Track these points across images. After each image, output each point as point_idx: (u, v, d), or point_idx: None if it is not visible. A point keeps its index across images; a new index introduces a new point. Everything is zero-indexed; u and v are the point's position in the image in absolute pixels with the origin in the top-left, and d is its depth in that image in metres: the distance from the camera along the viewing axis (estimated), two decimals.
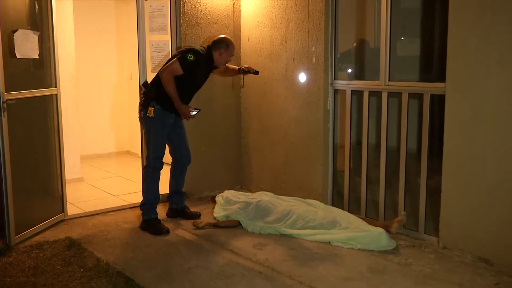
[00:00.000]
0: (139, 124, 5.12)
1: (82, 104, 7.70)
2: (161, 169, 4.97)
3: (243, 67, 5.21)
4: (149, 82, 4.94)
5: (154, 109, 4.77)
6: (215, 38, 4.98)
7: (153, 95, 4.78)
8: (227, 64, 5.16)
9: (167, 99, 4.77)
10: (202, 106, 5.51)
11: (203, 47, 4.94)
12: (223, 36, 5.04)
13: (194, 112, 4.87)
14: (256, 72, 5.15)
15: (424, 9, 5.64)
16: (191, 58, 4.73)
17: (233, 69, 5.28)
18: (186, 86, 4.84)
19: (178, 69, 4.70)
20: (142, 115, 4.86)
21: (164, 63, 4.93)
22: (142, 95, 4.94)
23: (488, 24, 3.87)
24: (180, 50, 4.91)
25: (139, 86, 5.32)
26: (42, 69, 4.91)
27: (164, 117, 4.87)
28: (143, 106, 4.83)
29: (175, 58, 4.74)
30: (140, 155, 5.73)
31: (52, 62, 4.95)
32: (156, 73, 4.94)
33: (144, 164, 4.99)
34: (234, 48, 5.02)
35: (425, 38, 5.74)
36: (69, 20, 6.56)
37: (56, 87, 5.00)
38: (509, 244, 3.89)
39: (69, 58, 6.60)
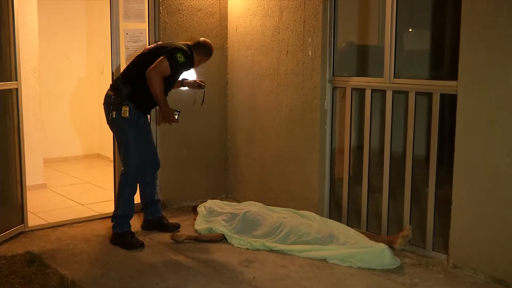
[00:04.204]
0: None
1: (46, 100, 7.67)
2: (142, 178, 5.01)
3: (195, 81, 5.37)
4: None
5: (129, 108, 4.76)
6: (201, 41, 5.08)
7: (126, 93, 4.75)
8: None
9: (141, 97, 4.78)
10: (183, 104, 5.52)
11: (185, 46, 4.97)
12: (209, 42, 5.13)
13: (177, 115, 4.91)
14: (202, 86, 5.34)
15: None
16: (181, 59, 4.78)
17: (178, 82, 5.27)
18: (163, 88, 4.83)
19: (167, 70, 4.73)
20: (114, 116, 4.78)
21: (140, 55, 4.92)
22: (112, 94, 4.82)
23: (506, 15, 3.90)
24: (166, 47, 4.87)
25: (112, 80, 5.29)
26: (1, 60, 4.88)
27: (138, 117, 4.86)
28: (115, 106, 4.77)
29: (163, 57, 4.71)
30: (112, 158, 5.71)
31: (12, 52, 4.92)
32: (128, 68, 4.91)
33: (122, 171, 4.94)
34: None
35: (436, 30, 5.79)
36: (32, 4, 6.53)
37: (16, 80, 4.96)
38: None
39: (31, 47, 6.57)
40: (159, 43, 5.13)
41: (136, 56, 5.02)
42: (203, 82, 5.37)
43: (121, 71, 5.19)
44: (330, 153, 5.34)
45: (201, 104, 5.39)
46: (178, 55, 4.77)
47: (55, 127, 8.24)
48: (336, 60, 5.24)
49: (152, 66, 4.69)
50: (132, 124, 4.83)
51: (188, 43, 5.09)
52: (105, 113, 4.91)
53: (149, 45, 5.55)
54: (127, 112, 4.75)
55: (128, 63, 5.33)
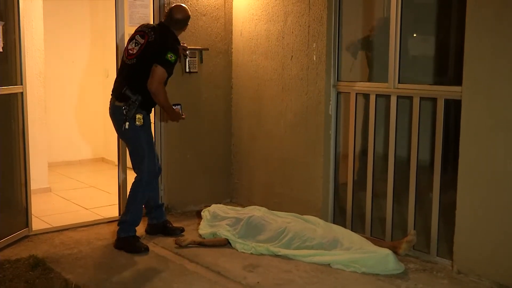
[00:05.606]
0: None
1: (51, 104, 7.69)
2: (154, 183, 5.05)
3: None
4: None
5: (142, 116, 4.76)
6: (174, 16, 4.94)
7: (139, 102, 4.72)
8: None
9: (150, 103, 4.83)
10: (187, 107, 5.52)
11: (156, 26, 4.96)
12: (182, 8, 5.03)
13: (181, 111, 5.07)
14: (185, 56, 5.64)
15: (439, 3, 5.68)
16: (173, 59, 4.78)
17: None
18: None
19: (165, 75, 4.77)
20: (128, 127, 4.72)
21: (136, 64, 4.81)
22: (122, 104, 4.74)
23: (510, 21, 3.90)
24: (153, 47, 4.77)
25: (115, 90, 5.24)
26: (6, 64, 4.89)
27: (148, 122, 4.91)
28: (129, 116, 4.71)
29: (158, 66, 4.68)
30: (116, 163, 5.72)
31: (17, 56, 4.93)
32: (131, 76, 4.83)
33: (136, 178, 4.92)
34: None
35: (440, 35, 5.78)
36: (37, 9, 6.55)
37: (21, 84, 4.98)
38: None
39: (37, 52, 6.59)
40: (137, 37, 4.86)
41: (128, 64, 4.86)
42: (186, 51, 5.46)
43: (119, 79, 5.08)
44: (334, 158, 5.34)
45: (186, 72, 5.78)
46: (169, 55, 4.75)
47: (59, 131, 8.25)
48: (340, 65, 5.25)
49: (151, 78, 4.69)
50: (145, 131, 4.87)
51: (162, 20, 5.10)
52: (115, 125, 4.89)
53: (128, 43, 5.03)
54: (142, 120, 4.76)
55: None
